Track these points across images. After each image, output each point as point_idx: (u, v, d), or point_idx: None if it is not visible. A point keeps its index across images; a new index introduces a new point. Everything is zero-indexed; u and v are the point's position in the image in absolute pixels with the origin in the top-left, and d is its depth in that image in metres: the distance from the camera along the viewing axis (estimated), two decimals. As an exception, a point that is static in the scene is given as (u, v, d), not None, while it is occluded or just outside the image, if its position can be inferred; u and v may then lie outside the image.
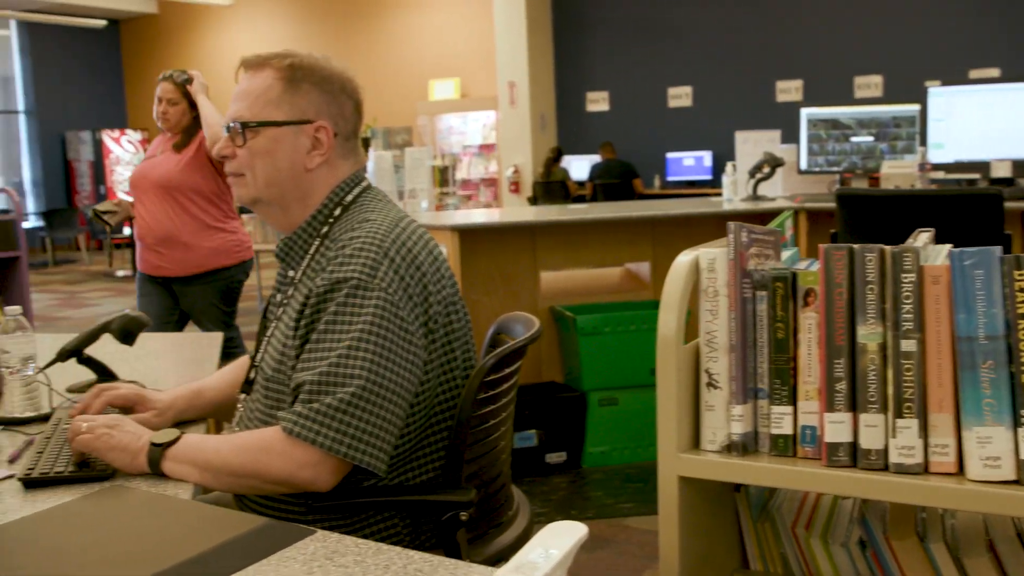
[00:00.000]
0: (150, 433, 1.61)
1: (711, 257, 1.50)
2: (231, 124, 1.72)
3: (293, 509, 1.64)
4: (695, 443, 1.55)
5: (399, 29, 15.46)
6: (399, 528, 1.66)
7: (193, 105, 4.26)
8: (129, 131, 17.97)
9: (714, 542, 1.69)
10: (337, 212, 1.73)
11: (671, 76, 12.99)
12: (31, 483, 1.54)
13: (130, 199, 4.46)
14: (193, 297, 4.35)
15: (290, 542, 1.26)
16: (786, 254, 1.65)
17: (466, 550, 1.65)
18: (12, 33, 17.31)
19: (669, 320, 1.50)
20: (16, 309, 1.98)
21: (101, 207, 4.35)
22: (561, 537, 1.11)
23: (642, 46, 13.11)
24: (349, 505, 1.62)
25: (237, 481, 1.56)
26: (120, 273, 13.38)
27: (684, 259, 1.52)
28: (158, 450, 1.56)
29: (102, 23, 16.69)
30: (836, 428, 1.43)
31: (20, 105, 17.58)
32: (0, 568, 1.22)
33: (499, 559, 1.75)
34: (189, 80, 4.29)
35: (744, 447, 1.50)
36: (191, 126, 4.28)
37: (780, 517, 1.70)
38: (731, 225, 1.46)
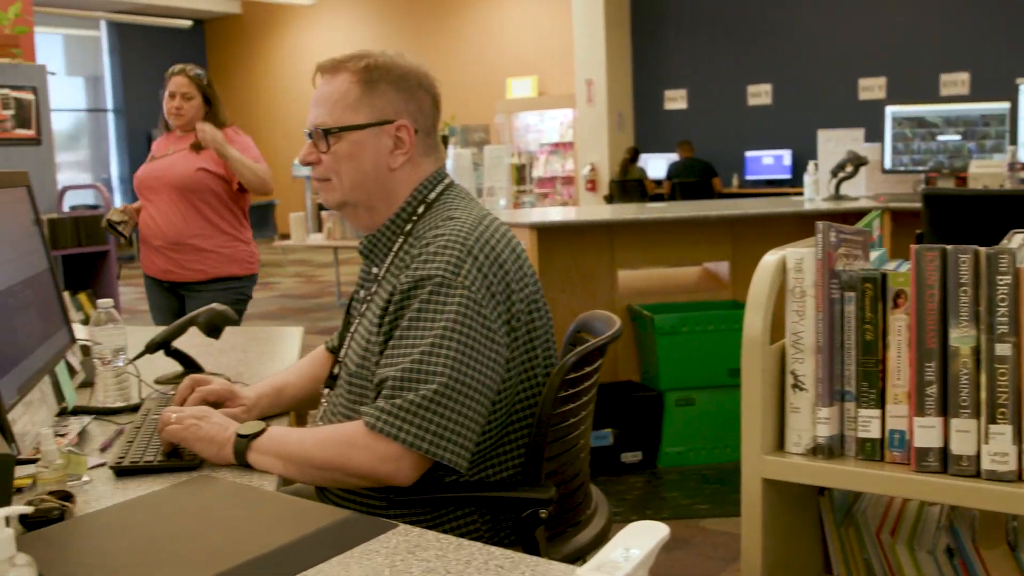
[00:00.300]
0: (236, 425, 1.64)
1: (798, 257, 1.47)
2: (313, 130, 1.74)
3: (374, 503, 1.65)
4: (779, 445, 1.53)
5: (478, 27, 15.52)
6: (478, 524, 1.67)
7: (208, 101, 4.07)
8: (212, 129, 18.31)
9: (796, 546, 1.67)
10: (420, 210, 1.74)
11: (751, 74, 12.83)
12: (122, 471, 1.58)
13: (130, 204, 4.17)
14: (202, 304, 3.99)
15: (373, 535, 1.27)
16: (874, 255, 1.62)
17: (544, 548, 1.65)
18: (102, 34, 17.78)
19: (755, 320, 1.48)
20: (108, 302, 2.03)
21: (114, 217, 4.06)
22: (642, 537, 1.10)
23: (721, 43, 12.98)
24: (430, 500, 1.64)
25: (320, 473, 1.58)
26: (203, 268, 13.63)
27: (771, 259, 1.50)
28: (244, 441, 1.59)
29: (187, 23, 17.06)
30: (926, 433, 1.40)
31: (109, 104, 18.06)
32: (93, 553, 1.25)
33: (576, 558, 1.75)
34: (203, 75, 4.11)
35: (830, 450, 1.47)
36: (206, 120, 4.06)
37: (864, 522, 1.66)
38: (819, 224, 1.44)
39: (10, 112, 5.07)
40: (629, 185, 11.73)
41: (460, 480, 1.64)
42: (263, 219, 13.15)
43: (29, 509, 1.25)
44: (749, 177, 12.64)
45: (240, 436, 1.60)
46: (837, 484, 1.49)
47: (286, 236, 11.06)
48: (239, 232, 4.17)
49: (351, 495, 1.69)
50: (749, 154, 12.65)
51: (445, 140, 9.97)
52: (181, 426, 1.63)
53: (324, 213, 9.25)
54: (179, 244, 4.00)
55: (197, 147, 3.99)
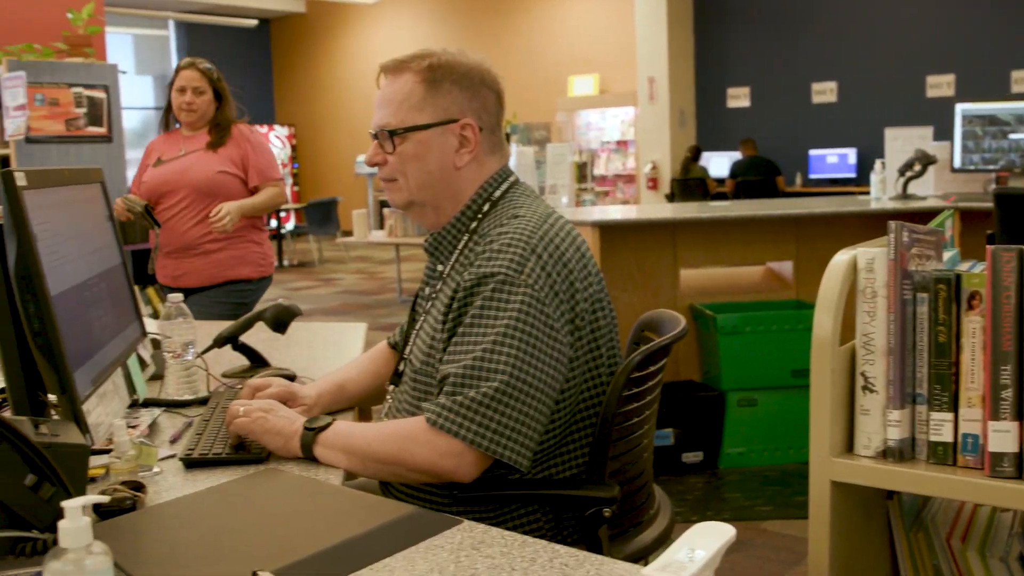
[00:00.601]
0: (303, 418, 1.66)
1: (870, 257, 1.45)
2: (378, 131, 1.75)
3: (437, 499, 1.66)
4: (848, 447, 1.51)
5: (539, 25, 15.52)
6: (541, 522, 1.66)
7: (218, 96, 3.87)
8: (277, 127, 18.58)
9: (864, 550, 1.64)
10: (486, 208, 1.74)
11: (815, 71, 12.66)
12: (191, 463, 1.61)
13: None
14: (201, 307, 3.65)
15: (438, 531, 1.28)
16: (947, 255, 1.59)
17: (607, 547, 1.65)
18: (170, 33, 18.10)
19: (825, 320, 1.46)
20: (178, 297, 2.07)
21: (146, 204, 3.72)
22: (708, 538, 1.09)
23: (785, 40, 12.82)
24: (493, 497, 1.64)
25: (382, 468, 1.59)
26: (266, 264, 13.82)
27: (842, 258, 1.48)
28: (311, 434, 1.61)
29: (253, 23, 17.29)
30: (1001, 437, 1.37)
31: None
32: (163, 542, 1.27)
33: (639, 558, 1.74)
34: (213, 69, 3.90)
35: (900, 453, 1.45)
36: (216, 120, 3.88)
37: (934, 527, 1.63)
38: (892, 224, 1.41)
39: (83, 110, 5.18)
40: (690, 183, 11.64)
41: (524, 478, 1.64)
42: (326, 216, 13.29)
43: (106, 499, 1.28)
44: (813, 176, 12.47)
45: (307, 429, 1.62)
46: (907, 488, 1.46)
47: (348, 233, 11.16)
48: (251, 234, 3.96)
49: (415, 491, 1.69)
50: (813, 152, 12.48)
51: (507, 138, 9.98)
52: (250, 419, 1.65)
53: (386, 210, 9.32)
54: (191, 247, 3.81)
55: (214, 145, 3.83)
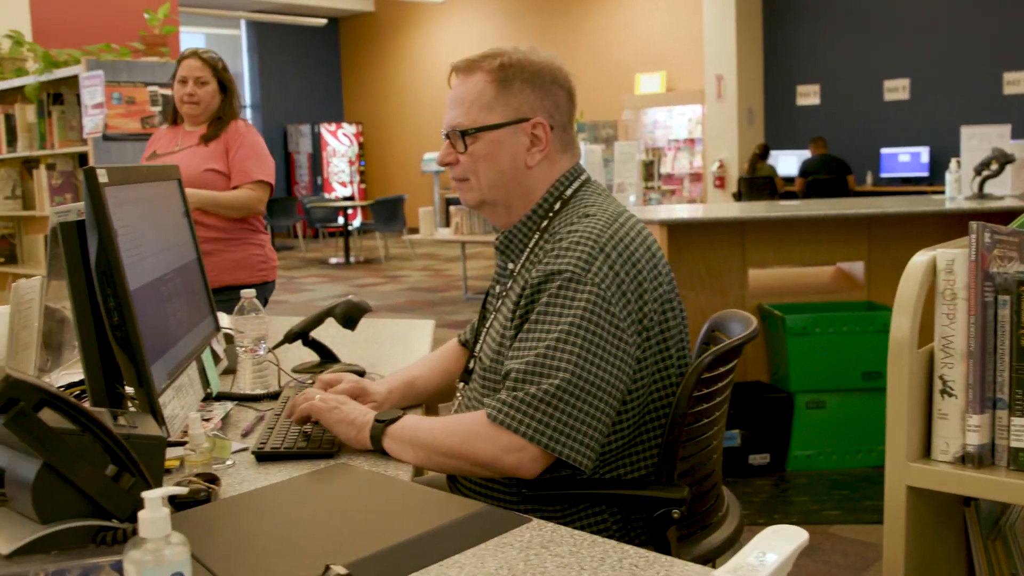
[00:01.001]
0: (374, 412, 1.68)
1: (950, 258, 1.42)
2: (450, 131, 1.76)
3: (505, 497, 1.66)
4: (925, 452, 1.47)
5: (606, 22, 15.47)
6: (609, 523, 1.66)
7: (223, 87, 3.68)
8: (345, 124, 18.77)
9: (940, 557, 1.61)
10: (557, 206, 1.74)
11: (887, 68, 12.43)
12: (263, 456, 1.63)
13: None
14: None
15: (507, 528, 1.28)
16: (1030, 256, 1.55)
17: (676, 548, 1.64)
18: (242, 32, 18.40)
19: (902, 323, 1.43)
20: (251, 292, 2.10)
21: None
22: (780, 542, 1.08)
23: (857, 36, 12.61)
24: (561, 496, 1.64)
25: (447, 461, 1.60)
26: (333, 261, 13.98)
27: (920, 259, 1.45)
28: (380, 427, 1.63)
29: (323, 22, 17.49)
30: (1085, 445, 1.33)
31: (247, 100, 18.67)
32: (237, 534, 1.29)
33: (707, 560, 1.72)
34: (218, 58, 3.69)
35: (979, 459, 1.41)
36: (219, 114, 3.67)
37: (1013, 536, 1.59)
38: (974, 224, 1.38)
39: (157, 108, 5.28)
40: (758, 182, 11.51)
41: (592, 477, 1.63)
42: (392, 213, 13.40)
43: (185, 490, 1.30)
44: (884, 175, 12.25)
45: (377, 421, 1.63)
46: (986, 495, 1.43)
47: (415, 230, 11.24)
48: (249, 236, 3.69)
49: (482, 488, 1.70)
50: (885, 151, 12.26)
51: (573, 136, 9.95)
52: (325, 406, 1.67)
53: (452, 208, 9.36)
54: None
55: (207, 139, 3.62)
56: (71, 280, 1.50)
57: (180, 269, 1.84)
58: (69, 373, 2.05)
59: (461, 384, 1.83)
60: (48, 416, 1.10)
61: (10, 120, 6.00)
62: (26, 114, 5.89)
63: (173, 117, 3.78)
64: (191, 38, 17.20)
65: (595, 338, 1.53)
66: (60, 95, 5.66)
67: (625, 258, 1.61)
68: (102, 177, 1.45)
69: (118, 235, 1.44)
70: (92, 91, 5.07)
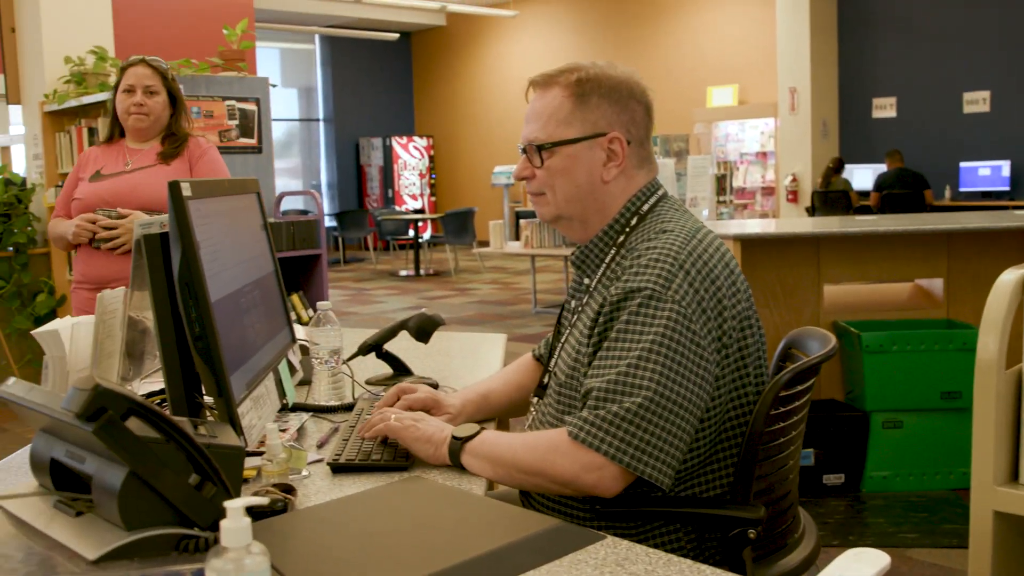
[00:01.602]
0: (451, 427, 1.68)
1: (1039, 276, 1.38)
2: (526, 145, 1.76)
3: (579, 513, 1.65)
4: (1013, 476, 1.43)
5: (678, 35, 15.41)
6: (683, 541, 1.64)
7: (173, 99, 3.27)
8: (416, 137, 18.94)
9: (1027, 585, 1.56)
10: (633, 221, 1.73)
11: (966, 80, 12.17)
12: (338, 468, 1.65)
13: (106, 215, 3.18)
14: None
15: (582, 545, 1.27)
16: (1123, 275, 1.50)
17: (751, 569, 1.61)
18: (316, 47, 18.69)
19: (989, 342, 1.39)
20: (326, 304, 2.12)
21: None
22: (862, 565, 1.06)
23: (935, 48, 12.37)
24: (635, 513, 1.62)
25: (526, 478, 1.59)
26: (403, 273, 14.09)
27: (1009, 277, 1.41)
28: (458, 443, 1.63)
29: (395, 36, 17.68)
30: None
31: (320, 113, 18.96)
32: (313, 545, 1.30)
33: (783, 581, 1.70)
34: (167, 67, 3.30)
35: (1070, 485, 1.37)
36: (170, 130, 3.29)
37: (1105, 564, 1.54)
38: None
39: (235, 122, 5.38)
40: (832, 196, 11.34)
41: (667, 495, 1.62)
42: (462, 226, 13.47)
43: (266, 501, 1.31)
44: (963, 189, 11.98)
45: (455, 438, 1.64)
46: (1077, 522, 1.39)
47: (484, 243, 11.27)
48: None
49: (556, 503, 1.69)
50: (964, 165, 11.99)
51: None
52: (401, 425, 1.68)
53: (523, 221, 9.37)
54: None
55: (168, 157, 3.25)
56: (154, 291, 1.54)
57: (258, 281, 1.87)
58: (149, 382, 2.09)
59: (535, 399, 1.83)
60: (134, 425, 1.12)
61: (94, 133, 6.16)
62: (101, 130, 6.04)
63: (110, 133, 3.34)
64: (267, 53, 17.52)
65: (676, 356, 1.52)
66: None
67: (704, 275, 1.60)
68: (186, 191, 1.48)
69: (200, 248, 1.47)
70: (172, 105, 5.17)
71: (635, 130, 1.74)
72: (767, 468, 1.67)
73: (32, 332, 1.89)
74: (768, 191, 13.68)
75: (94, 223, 3.13)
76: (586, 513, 1.64)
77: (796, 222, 7.21)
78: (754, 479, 1.62)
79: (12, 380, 1.31)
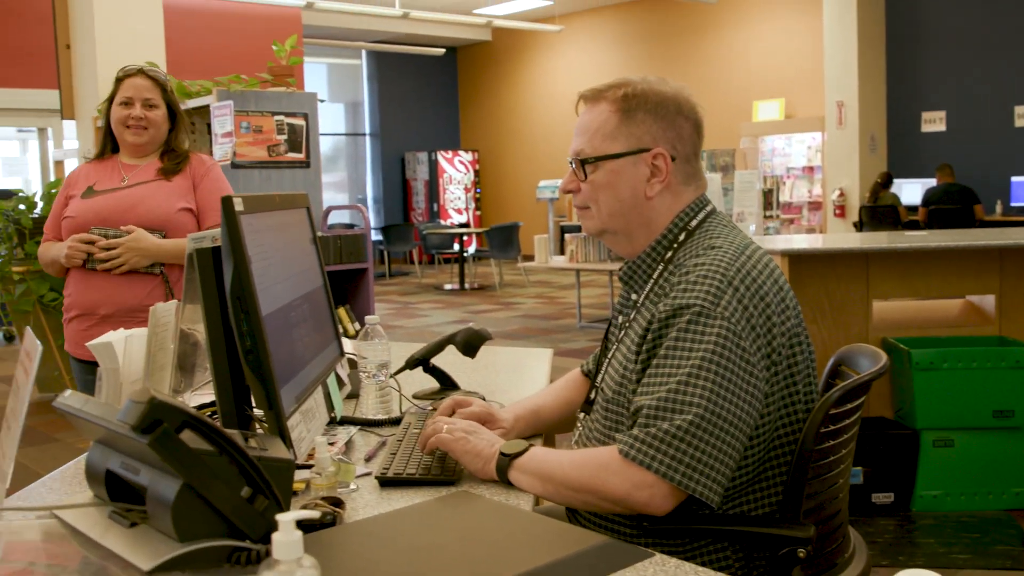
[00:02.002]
0: (502, 442, 1.69)
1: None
2: (573, 159, 1.77)
3: (626, 530, 1.65)
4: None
5: (724, 49, 15.35)
6: (731, 560, 1.63)
7: (172, 113, 3.07)
8: (461, 152, 19.03)
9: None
10: (681, 237, 1.73)
11: (1018, 93, 12.00)
12: (385, 482, 1.65)
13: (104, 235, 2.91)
14: None
15: (630, 562, 1.26)
16: None
17: (800, 589, 1.60)
18: (362, 62, 18.86)
19: (1046, 362, 1.37)
20: (375, 318, 2.14)
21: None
22: (915, 587, 1.04)
23: (985, 60, 12.21)
24: (683, 530, 1.61)
25: (575, 495, 1.59)
26: (447, 287, 14.14)
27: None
28: (506, 460, 1.63)
29: (441, 51, 17.79)
30: None
31: (367, 128, 19.12)
32: (362, 559, 1.31)
33: (832, 602, 1.68)
34: (168, 80, 3.10)
35: None
36: (169, 147, 3.08)
37: None
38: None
39: (283, 137, 5.44)
40: (880, 211, 11.21)
41: (715, 513, 1.60)
42: (507, 240, 13.50)
43: (317, 515, 1.33)
44: (1015, 204, 11.79)
45: (503, 454, 1.64)
46: None
47: (529, 257, 11.28)
48: None
49: (603, 520, 1.69)
50: (1016, 179, 11.80)
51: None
52: (452, 437, 1.69)
53: (568, 235, 9.37)
54: (139, 311, 2.85)
55: (169, 173, 3.01)
56: (205, 305, 1.56)
57: (308, 295, 1.89)
58: (199, 395, 2.12)
59: (582, 414, 1.83)
60: (188, 437, 1.13)
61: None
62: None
63: (102, 148, 3.11)
64: (315, 68, 17.72)
65: (726, 372, 1.52)
66: (192, 124, 5.88)
67: (753, 291, 1.59)
68: (238, 206, 1.50)
69: (252, 262, 1.49)
70: (222, 120, 5.25)
71: (681, 146, 1.74)
72: (817, 486, 1.65)
73: (86, 344, 1.92)
74: (815, 206, 13.57)
75: (92, 243, 2.87)
76: (633, 530, 1.63)
77: (845, 237, 7.13)
78: (804, 497, 1.61)
79: (68, 392, 1.33)
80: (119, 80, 3.02)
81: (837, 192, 12.81)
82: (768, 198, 10.55)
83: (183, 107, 5.06)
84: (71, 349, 3.02)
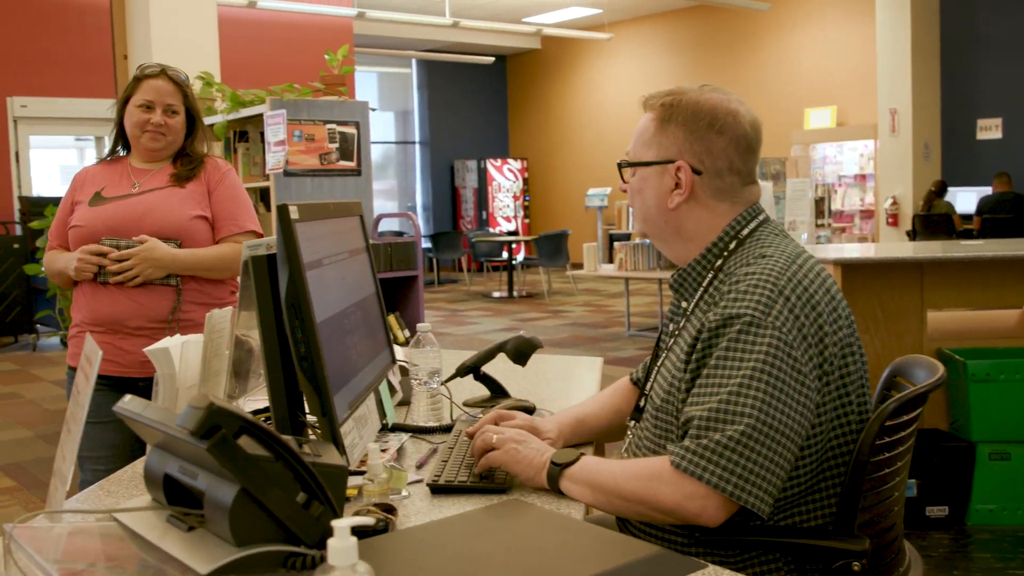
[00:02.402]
0: (552, 451, 1.69)
1: None
2: (621, 160, 1.83)
3: (677, 540, 1.64)
4: None
5: (775, 56, 15.23)
6: (783, 572, 1.61)
7: (191, 119, 2.90)
8: (511, 160, 19.07)
9: None
10: (732, 245, 1.72)
11: (1078, 100, 11.80)
12: (437, 489, 1.66)
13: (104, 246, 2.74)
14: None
15: (682, 573, 1.26)
16: None
17: (854, 602, 1.58)
18: (412, 71, 18.99)
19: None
20: (426, 326, 2.15)
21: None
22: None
23: (1044, 68, 12.01)
24: (735, 541, 1.60)
25: (627, 505, 1.59)
26: (496, 294, 14.16)
27: None
28: (557, 469, 1.63)
29: (490, 59, 17.86)
30: None
31: (416, 136, 19.23)
32: (414, 566, 1.31)
33: (886, 616, 1.66)
34: (189, 84, 2.94)
35: None
36: (184, 150, 2.92)
37: None
38: None
39: (335, 145, 5.49)
40: (934, 220, 11.06)
41: (767, 524, 1.59)
42: (556, 248, 13.50)
43: (371, 521, 1.33)
44: (1074, 213, 11.57)
45: (554, 464, 1.64)
46: None
47: (577, 265, 11.27)
48: (227, 298, 2.87)
49: (654, 529, 1.68)
50: (1074, 188, 11.60)
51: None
52: (502, 450, 1.69)
53: (616, 244, 9.34)
54: (151, 322, 2.75)
55: (182, 179, 2.85)
56: (260, 312, 1.57)
57: (360, 302, 1.90)
58: (252, 400, 2.14)
59: (632, 422, 1.83)
60: (245, 443, 1.15)
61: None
62: (214, 151, 6.22)
63: (113, 149, 2.96)
64: (365, 77, 17.86)
65: (777, 383, 1.51)
66: (246, 132, 5.95)
67: (804, 301, 1.58)
68: (293, 214, 1.52)
69: (306, 269, 1.50)
70: (275, 129, 5.31)
71: (710, 161, 1.72)
72: (872, 499, 1.64)
73: (144, 350, 1.95)
74: (867, 214, 13.41)
75: (104, 255, 2.71)
76: (684, 539, 1.62)
77: (898, 246, 7.04)
78: (859, 510, 1.59)
79: (128, 397, 1.36)
80: (138, 80, 2.83)
81: (890, 200, 12.65)
82: (820, 206, 10.44)
83: (234, 116, 4.99)
84: (74, 362, 2.84)
